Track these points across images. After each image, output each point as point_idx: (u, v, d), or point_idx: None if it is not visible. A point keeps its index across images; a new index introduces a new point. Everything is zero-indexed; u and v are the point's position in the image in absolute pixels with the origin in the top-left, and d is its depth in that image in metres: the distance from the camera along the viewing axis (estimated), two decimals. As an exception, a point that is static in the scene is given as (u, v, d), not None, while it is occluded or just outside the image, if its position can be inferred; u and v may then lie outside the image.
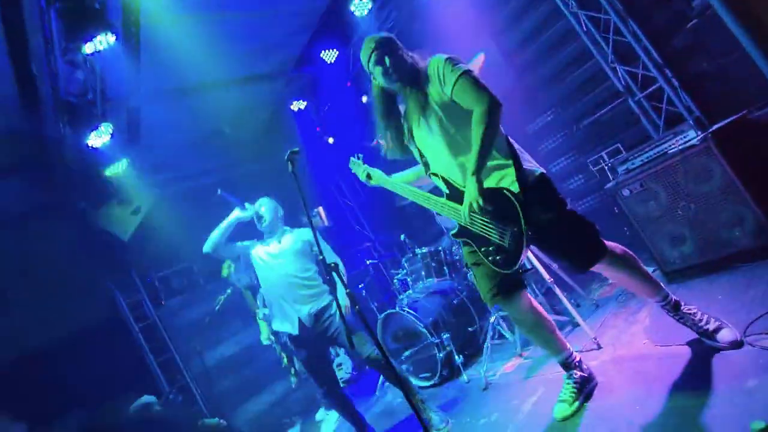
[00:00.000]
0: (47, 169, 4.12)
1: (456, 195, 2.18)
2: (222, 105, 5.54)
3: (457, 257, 3.90)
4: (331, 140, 6.67)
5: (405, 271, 4.01)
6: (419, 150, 2.32)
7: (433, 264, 3.82)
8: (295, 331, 3.07)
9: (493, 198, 1.99)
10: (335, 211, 6.91)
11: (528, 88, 4.24)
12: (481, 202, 1.95)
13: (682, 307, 2.15)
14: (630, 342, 2.64)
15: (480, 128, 1.97)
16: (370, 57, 2.19)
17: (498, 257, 2.11)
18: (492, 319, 3.54)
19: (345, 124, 6.24)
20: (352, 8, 4.86)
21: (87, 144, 3.70)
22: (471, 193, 1.98)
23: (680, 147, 2.93)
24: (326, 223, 6.93)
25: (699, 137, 2.83)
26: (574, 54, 3.93)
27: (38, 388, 4.63)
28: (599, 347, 2.77)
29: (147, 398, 2.87)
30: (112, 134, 3.82)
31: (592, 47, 3.73)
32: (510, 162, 2.06)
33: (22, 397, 4.51)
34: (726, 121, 2.87)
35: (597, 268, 2.12)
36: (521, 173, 2.04)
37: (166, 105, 5.04)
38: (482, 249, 2.16)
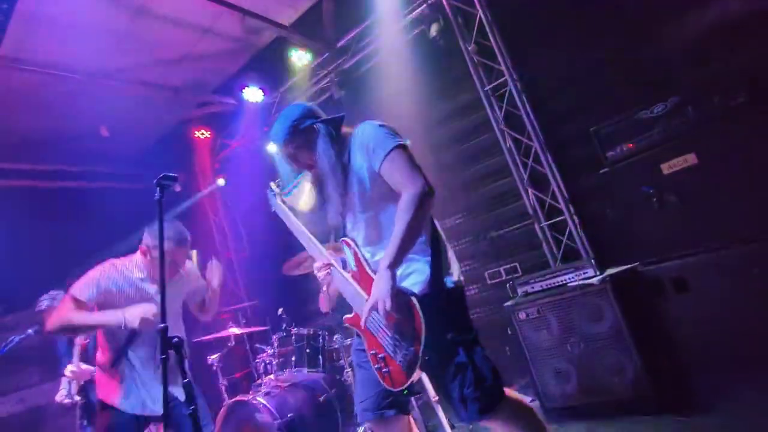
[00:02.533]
0: None
1: (362, 278, 1.78)
2: (109, 102, 4.66)
3: (336, 346, 3.40)
4: (221, 181, 5.99)
5: (273, 351, 3.36)
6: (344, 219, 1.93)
7: (308, 350, 3.25)
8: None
9: (400, 300, 1.59)
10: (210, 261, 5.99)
11: (446, 186, 4.22)
12: (389, 305, 1.56)
13: None
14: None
15: (406, 215, 1.63)
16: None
17: (385, 369, 1.69)
18: (360, 431, 3.01)
19: (246, 168, 5.67)
20: (292, 56, 4.61)
21: None
22: (381, 291, 1.58)
23: (579, 282, 2.96)
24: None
25: (598, 278, 2.89)
26: (495, 167, 4.04)
27: None
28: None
29: None
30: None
31: (512, 166, 3.87)
32: (426, 258, 1.72)
33: None
34: (621, 269, 2.99)
35: (486, 421, 1.71)
36: (436, 276, 1.69)
37: (30, 78, 4.05)
38: (372, 351, 1.75)
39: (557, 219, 3.68)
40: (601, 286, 2.84)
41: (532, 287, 3.19)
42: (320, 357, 3.31)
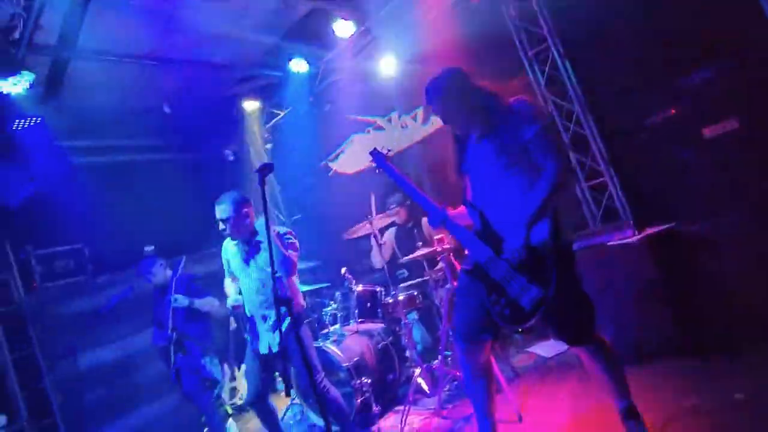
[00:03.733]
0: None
1: (487, 234, 2.12)
2: (166, 82, 5.01)
3: (392, 301, 3.82)
4: (268, 146, 6.35)
5: (337, 305, 3.83)
6: (468, 177, 2.28)
7: (368, 304, 3.69)
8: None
9: (531, 254, 1.95)
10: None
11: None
12: (523, 255, 1.94)
13: (641, 418, 2.10)
14: (551, 420, 2.72)
15: (548, 183, 1.96)
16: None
17: (506, 311, 2.04)
18: (417, 372, 3.48)
19: (295, 136, 5.99)
20: (334, 27, 4.75)
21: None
22: (516, 243, 1.96)
23: (619, 242, 3.20)
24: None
25: (637, 237, 3.12)
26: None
27: None
28: (520, 420, 2.81)
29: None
30: (30, 84, 3.22)
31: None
32: (551, 223, 2.00)
33: None
34: (658, 228, 3.20)
35: (577, 350, 2.14)
36: (561, 237, 2.01)
37: (102, 66, 4.42)
38: (491, 296, 2.09)
39: (597, 180, 3.86)
40: (638, 245, 3.07)
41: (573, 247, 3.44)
42: (379, 310, 3.75)
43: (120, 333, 4.99)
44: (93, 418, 4.58)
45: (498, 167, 2.10)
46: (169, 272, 4.27)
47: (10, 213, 4.19)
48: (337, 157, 5.63)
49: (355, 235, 3.80)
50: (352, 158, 5.59)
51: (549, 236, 1.99)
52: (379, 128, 5.32)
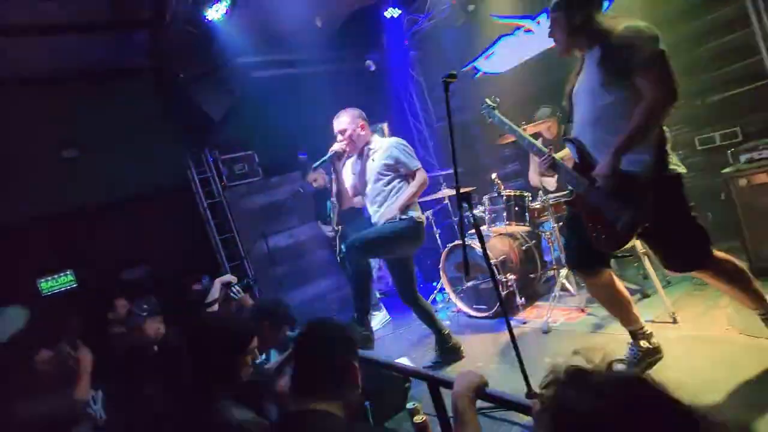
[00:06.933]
0: (157, 33, 4.05)
1: (585, 167, 2.18)
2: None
3: (538, 205, 3.93)
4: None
5: (484, 208, 4.07)
6: (573, 108, 2.30)
7: (516, 208, 3.87)
8: None
9: (624, 180, 2.00)
10: (401, 132, 6.79)
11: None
12: (611, 182, 2.01)
13: None
14: (710, 324, 2.74)
15: (644, 114, 1.92)
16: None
17: (603, 236, 2.15)
18: (563, 272, 3.66)
19: (435, 42, 5.95)
20: None
21: (205, 16, 3.63)
22: (606, 170, 2.00)
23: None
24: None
25: None
26: (728, 18, 3.58)
27: (111, 235, 4.91)
28: (675, 322, 2.88)
29: (229, 277, 3.07)
30: (227, 9, 3.72)
31: (753, 15, 3.40)
32: (651, 153, 2.00)
33: (93, 243, 4.74)
34: None
35: (697, 274, 2.15)
36: (660, 165, 2.00)
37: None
38: (589, 223, 2.20)
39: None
40: None
41: (760, 153, 3.10)
42: (526, 214, 3.91)
43: (290, 224, 5.99)
44: (279, 287, 5.75)
45: (600, 93, 2.04)
46: (326, 177, 4.94)
47: (210, 123, 5.04)
48: (488, 57, 5.46)
49: (503, 141, 3.87)
50: (502, 58, 5.39)
51: (643, 165, 1.98)
52: (528, 31, 5.00)
